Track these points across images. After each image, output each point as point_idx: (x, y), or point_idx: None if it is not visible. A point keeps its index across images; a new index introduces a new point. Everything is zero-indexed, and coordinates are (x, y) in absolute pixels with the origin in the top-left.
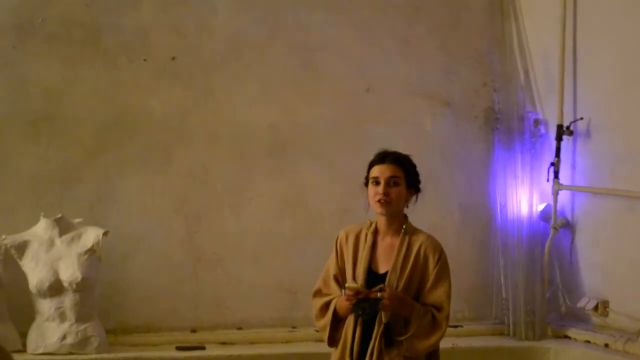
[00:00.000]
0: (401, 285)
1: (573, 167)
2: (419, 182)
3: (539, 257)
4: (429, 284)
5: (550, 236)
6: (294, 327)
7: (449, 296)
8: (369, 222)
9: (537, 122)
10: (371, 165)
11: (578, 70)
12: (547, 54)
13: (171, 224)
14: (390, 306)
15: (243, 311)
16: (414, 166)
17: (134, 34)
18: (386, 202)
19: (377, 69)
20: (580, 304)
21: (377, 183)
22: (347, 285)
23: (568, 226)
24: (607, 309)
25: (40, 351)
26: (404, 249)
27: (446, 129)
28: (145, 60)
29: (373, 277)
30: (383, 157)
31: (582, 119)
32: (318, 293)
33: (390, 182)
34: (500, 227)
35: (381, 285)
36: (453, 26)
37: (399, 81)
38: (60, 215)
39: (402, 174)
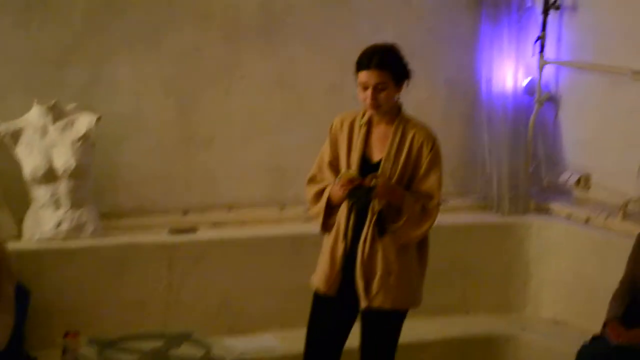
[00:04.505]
0: (395, 173)
1: (559, 41)
2: (408, 71)
3: (523, 131)
4: (421, 173)
5: (534, 110)
6: (283, 206)
7: (440, 185)
8: (364, 109)
9: None
10: (358, 66)
11: None
12: None
13: (162, 106)
14: (383, 194)
15: (233, 191)
16: (400, 59)
17: None
18: (376, 105)
19: None
20: (562, 178)
21: (365, 88)
22: (342, 173)
23: (552, 100)
24: (589, 183)
25: (37, 238)
26: (397, 137)
27: (433, 4)
28: None
29: (367, 165)
30: (368, 62)
31: None
32: (312, 180)
33: (378, 87)
34: (486, 101)
35: (374, 174)
36: None
37: None
38: (53, 102)
39: (389, 77)
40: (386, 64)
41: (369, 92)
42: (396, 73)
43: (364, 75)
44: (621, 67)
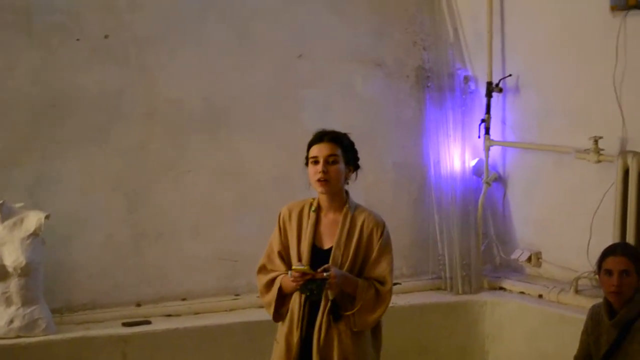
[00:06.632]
0: (346, 260)
1: (503, 122)
2: (357, 159)
3: (473, 211)
4: (372, 259)
5: (483, 191)
6: (237, 295)
7: (391, 270)
8: (311, 199)
9: (466, 79)
10: (310, 145)
11: (506, 28)
12: (475, 12)
13: (111, 202)
14: (336, 285)
15: (186, 282)
16: (351, 144)
17: (65, 14)
18: (325, 180)
19: (308, 35)
20: (514, 256)
21: (316, 162)
22: (293, 267)
23: (500, 180)
24: (540, 260)
25: None
26: (347, 225)
27: (378, 90)
28: (78, 40)
29: (317, 253)
30: (321, 137)
31: (510, 75)
32: (262, 269)
33: (329, 160)
34: (434, 184)
35: (326, 266)
36: None
37: (330, 45)
38: (1, 202)
39: (340, 152)
40: (338, 140)
41: (319, 165)
42: (347, 152)
43: (315, 149)
44: (565, 146)
